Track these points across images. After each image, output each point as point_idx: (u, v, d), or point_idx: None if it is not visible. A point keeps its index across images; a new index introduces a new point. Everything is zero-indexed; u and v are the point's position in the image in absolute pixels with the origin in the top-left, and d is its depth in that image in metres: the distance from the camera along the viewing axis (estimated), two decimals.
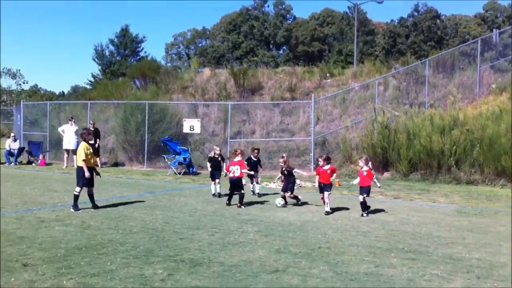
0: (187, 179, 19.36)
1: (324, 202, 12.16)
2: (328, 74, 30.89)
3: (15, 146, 24.11)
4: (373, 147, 20.51)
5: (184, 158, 21.16)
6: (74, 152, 22.52)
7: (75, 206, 11.18)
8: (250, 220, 10.81)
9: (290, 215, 11.58)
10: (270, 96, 28.44)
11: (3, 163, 23.23)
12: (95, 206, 11.54)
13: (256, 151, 15.32)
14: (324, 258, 7.83)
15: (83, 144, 11.57)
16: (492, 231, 10.18)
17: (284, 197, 13.09)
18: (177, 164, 21.14)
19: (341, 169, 20.72)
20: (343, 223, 10.72)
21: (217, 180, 14.54)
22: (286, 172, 13.44)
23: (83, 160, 11.36)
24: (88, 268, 6.78)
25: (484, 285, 6.64)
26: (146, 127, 23.45)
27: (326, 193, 12.13)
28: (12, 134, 25.09)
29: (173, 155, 21.48)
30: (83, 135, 11.94)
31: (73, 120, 23.76)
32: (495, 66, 26.76)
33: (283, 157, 13.80)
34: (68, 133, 23.32)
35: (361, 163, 12.31)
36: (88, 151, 11.53)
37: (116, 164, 24.20)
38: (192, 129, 23.43)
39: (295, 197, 13.22)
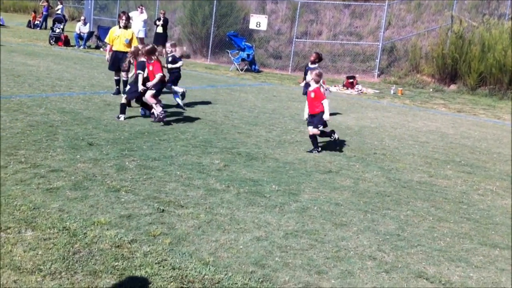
0: (248, 76, 19.41)
1: None
2: None
3: (85, 30, 24.56)
4: (443, 57, 19.69)
5: (248, 55, 21.05)
6: (142, 40, 22.81)
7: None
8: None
9: (349, 120, 11.54)
10: None
11: (72, 46, 23.87)
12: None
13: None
14: (379, 163, 7.88)
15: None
16: None
17: None
18: (240, 60, 21.10)
19: (406, 78, 20.18)
20: (401, 132, 10.61)
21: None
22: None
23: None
24: (150, 152, 7.11)
25: None
26: (213, 19, 23.28)
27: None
28: (82, 18, 25.48)
29: (237, 51, 21.40)
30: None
31: (143, 7, 23.75)
32: None
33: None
34: (136, 21, 23.43)
35: (308, 77, 8.71)
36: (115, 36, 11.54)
37: (181, 56, 24.38)
38: (258, 26, 23.06)
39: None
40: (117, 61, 11.40)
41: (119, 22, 11.64)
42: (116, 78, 11.82)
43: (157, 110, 8.94)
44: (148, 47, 9.26)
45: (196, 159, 7.04)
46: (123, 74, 11.36)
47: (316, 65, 10.80)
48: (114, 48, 11.55)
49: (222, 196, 5.66)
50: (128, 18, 11.87)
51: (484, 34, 19.46)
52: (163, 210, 5.05)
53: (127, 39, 11.31)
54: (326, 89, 8.87)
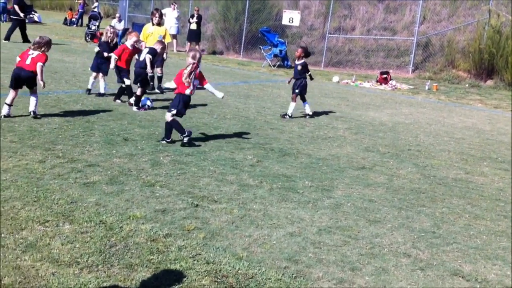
0: (281, 72, 19.38)
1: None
2: None
3: (120, 26, 24.88)
4: (480, 52, 19.26)
5: (280, 51, 21.03)
6: (175, 37, 22.99)
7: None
8: (341, 117, 10.81)
9: (382, 116, 11.42)
10: None
11: None
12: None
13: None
14: (413, 160, 7.78)
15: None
16: None
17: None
18: (272, 56, 21.08)
19: (441, 74, 19.85)
20: (437, 128, 10.46)
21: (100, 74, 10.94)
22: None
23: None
24: (183, 147, 7.17)
25: None
26: (246, 16, 23.32)
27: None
28: (117, 15, 25.84)
29: (270, 47, 21.39)
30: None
31: (176, 5, 23.94)
32: None
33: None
34: (169, 18, 23.62)
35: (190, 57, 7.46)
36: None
37: (214, 52, 24.53)
38: (291, 21, 22.98)
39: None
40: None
41: (152, 19, 11.74)
42: (150, 74, 11.92)
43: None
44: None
45: (229, 154, 7.08)
46: (157, 70, 11.47)
47: (303, 60, 10.15)
48: (148, 45, 11.66)
49: (255, 191, 5.68)
50: (161, 15, 11.99)
51: None
52: (197, 205, 5.10)
53: (160, 36, 11.41)
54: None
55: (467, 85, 18.44)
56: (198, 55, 7.45)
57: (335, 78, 17.85)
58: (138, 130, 7.94)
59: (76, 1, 36.36)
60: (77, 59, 16.20)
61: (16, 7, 19.82)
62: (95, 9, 28.36)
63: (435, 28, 23.21)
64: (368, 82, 17.62)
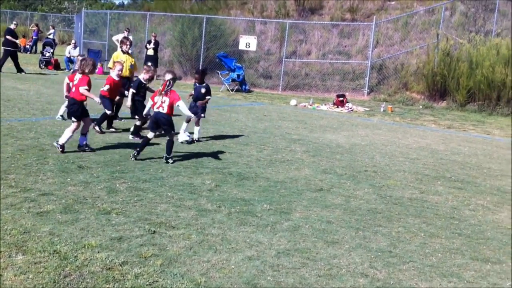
0: (239, 96, 19.49)
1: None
2: None
3: (75, 53, 24.64)
4: (432, 74, 19.90)
5: (238, 75, 21.19)
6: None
7: None
8: (299, 139, 10.91)
9: (339, 138, 11.59)
10: (329, 16, 27.61)
11: (63, 69, 23.91)
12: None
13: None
14: (370, 181, 7.90)
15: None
16: None
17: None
18: (230, 80, 21.22)
19: (395, 96, 20.36)
20: (392, 149, 10.67)
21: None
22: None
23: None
24: (140, 174, 7.10)
25: None
26: (203, 41, 23.44)
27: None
28: (72, 41, 25.62)
29: (227, 72, 21.53)
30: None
31: (129, 30, 23.89)
32: None
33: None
34: None
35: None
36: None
37: None
38: (248, 46, 23.25)
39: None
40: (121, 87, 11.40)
41: (122, 48, 11.64)
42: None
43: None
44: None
45: (187, 179, 7.04)
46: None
47: (205, 83, 10.24)
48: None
49: (214, 216, 5.65)
50: (131, 43, 11.99)
51: (471, 51, 19.73)
52: (154, 231, 5.03)
53: (131, 65, 11.37)
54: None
55: (420, 107, 18.96)
56: (170, 75, 8.03)
57: (293, 102, 18.07)
58: (93, 157, 7.81)
59: (30, 28, 35.84)
60: (31, 86, 15.90)
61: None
62: (50, 36, 28.05)
63: (388, 51, 23.88)
64: (325, 105, 17.89)
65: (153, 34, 23.40)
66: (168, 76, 8.07)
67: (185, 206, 5.88)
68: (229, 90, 20.92)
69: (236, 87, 21.26)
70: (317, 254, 4.89)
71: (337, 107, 17.66)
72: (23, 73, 19.69)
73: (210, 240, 4.95)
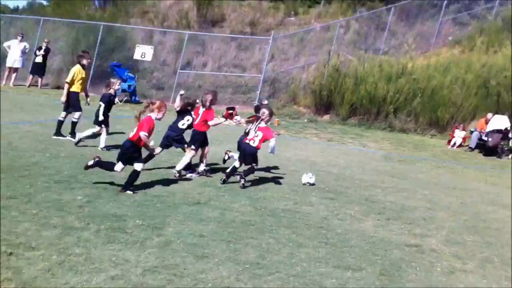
0: (127, 107, 19.09)
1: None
2: (292, 12, 30.42)
3: None
4: (320, 89, 20.66)
5: (129, 86, 20.74)
6: (16, 70, 21.60)
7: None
8: (182, 154, 10.83)
9: (222, 150, 11.66)
10: (230, 29, 27.86)
11: None
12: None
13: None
14: (247, 193, 8.04)
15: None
16: (412, 177, 10.67)
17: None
18: (120, 91, 20.70)
19: (283, 109, 20.93)
20: (273, 161, 10.93)
21: None
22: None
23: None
24: (5, 189, 6.65)
25: (392, 226, 7.04)
26: (96, 50, 22.64)
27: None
28: None
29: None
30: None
31: (23, 36, 22.46)
32: (457, 19, 26.50)
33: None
34: (15, 50, 22.02)
35: None
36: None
37: (58, 87, 23.40)
38: (143, 56, 22.72)
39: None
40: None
41: (82, 62, 11.11)
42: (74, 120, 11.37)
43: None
44: None
45: (56, 195, 6.74)
46: (76, 114, 11.22)
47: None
48: (76, 89, 11.38)
49: (80, 234, 5.45)
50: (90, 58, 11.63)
51: (358, 67, 20.80)
52: (11, 253, 4.75)
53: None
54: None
55: (305, 120, 19.63)
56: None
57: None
58: None
59: None
60: None
61: None
62: None
63: (282, 66, 24.54)
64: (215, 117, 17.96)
65: (45, 40, 22.20)
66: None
67: (49, 225, 5.62)
68: (117, 101, 20.37)
69: (126, 98, 20.79)
70: (185, 269, 4.88)
71: (226, 119, 17.79)
72: None
73: (72, 260, 4.77)
